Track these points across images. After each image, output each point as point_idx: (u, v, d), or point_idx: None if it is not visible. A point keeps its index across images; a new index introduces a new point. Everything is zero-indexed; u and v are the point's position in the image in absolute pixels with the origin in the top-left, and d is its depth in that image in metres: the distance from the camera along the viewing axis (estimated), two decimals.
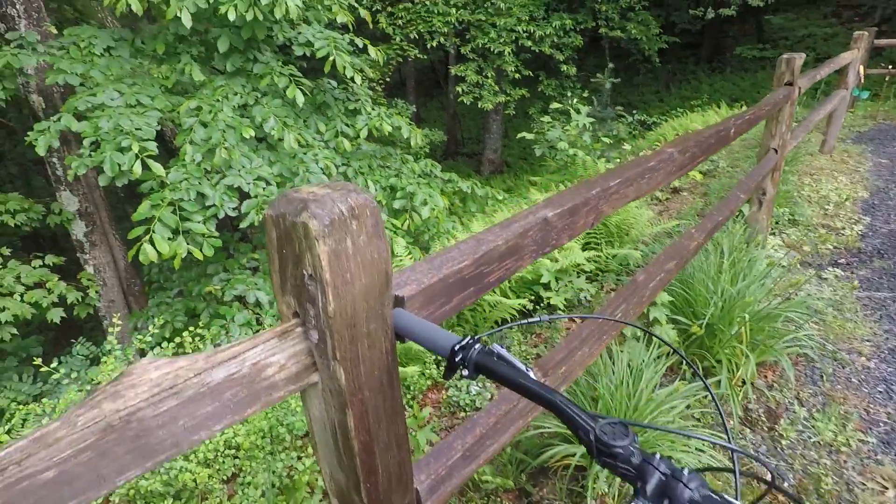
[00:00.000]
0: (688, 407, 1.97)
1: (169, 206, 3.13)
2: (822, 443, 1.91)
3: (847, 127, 6.89)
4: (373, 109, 4.87)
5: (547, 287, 3.68)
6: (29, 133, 3.24)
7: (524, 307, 3.51)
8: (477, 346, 0.66)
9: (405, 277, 0.82)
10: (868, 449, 1.88)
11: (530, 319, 0.73)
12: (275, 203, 0.65)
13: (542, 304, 3.63)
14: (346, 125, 4.63)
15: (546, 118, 6.86)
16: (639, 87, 14.78)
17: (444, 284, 0.84)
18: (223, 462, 2.36)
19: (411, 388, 2.83)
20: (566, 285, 3.65)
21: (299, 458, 2.33)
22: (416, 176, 5.42)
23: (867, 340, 2.46)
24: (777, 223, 3.95)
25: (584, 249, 4.07)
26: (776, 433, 1.98)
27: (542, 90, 10.92)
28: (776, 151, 3.12)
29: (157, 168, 3.10)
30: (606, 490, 1.68)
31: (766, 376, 2.25)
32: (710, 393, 0.70)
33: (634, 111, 10.42)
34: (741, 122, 2.23)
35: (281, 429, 2.49)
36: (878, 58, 9.24)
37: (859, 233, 3.71)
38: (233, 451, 2.42)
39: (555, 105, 6.56)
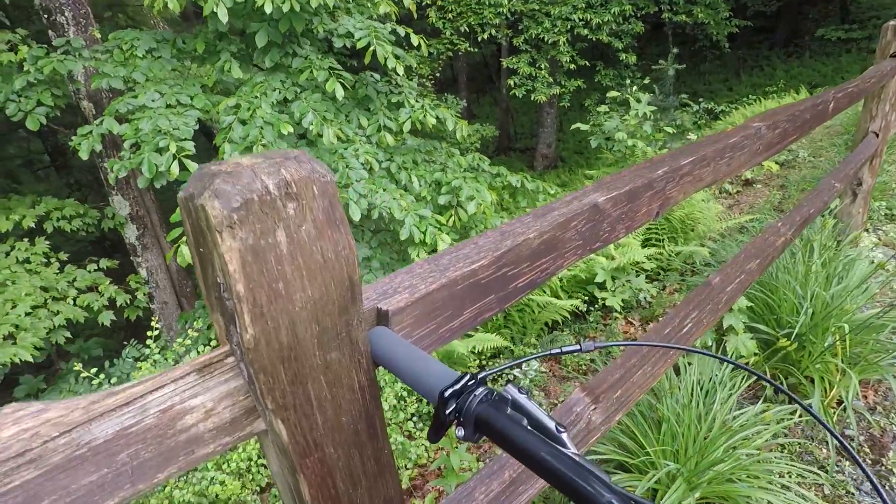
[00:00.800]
0: (774, 436, 1.64)
1: None
2: None
3: None
4: (416, 102, 4.69)
5: (602, 287, 3.38)
6: (73, 138, 3.27)
7: (577, 308, 3.23)
8: (479, 390, 0.43)
9: (395, 283, 0.61)
10: None
11: (566, 348, 0.50)
12: (189, 181, 0.45)
13: (596, 306, 3.33)
14: (389, 118, 4.48)
15: (603, 108, 6.46)
16: (705, 75, 13.87)
17: (449, 292, 0.61)
18: (257, 472, 2.26)
19: None
20: (623, 285, 3.33)
21: None
22: (462, 170, 5.21)
23: None
24: (871, 218, 3.45)
25: (643, 246, 3.72)
26: (883, 467, 1.62)
27: (600, 80, 10.39)
28: (877, 135, 2.67)
29: (195, 168, 3.05)
30: None
31: (866, 397, 1.87)
32: (831, 432, 0.44)
33: (701, 99, 9.73)
34: (842, 96, 1.86)
35: None
36: None
37: None
38: (264, 462, 2.31)
39: (612, 94, 6.16)
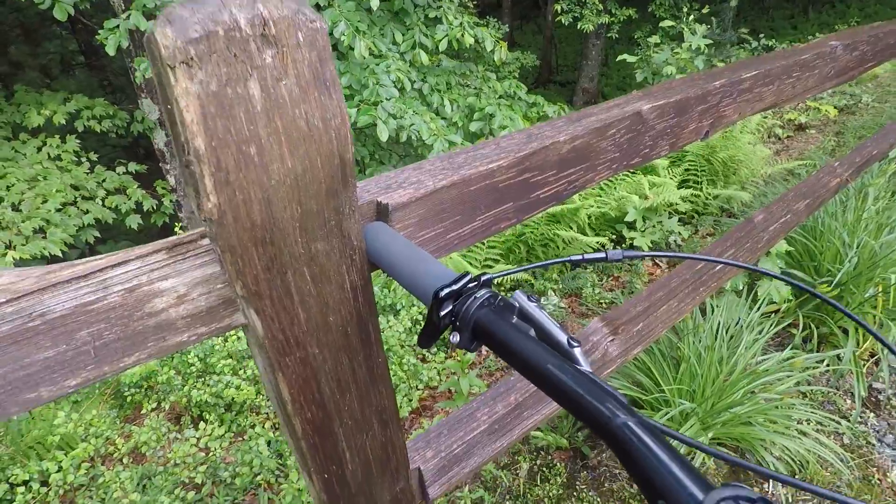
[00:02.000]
0: (797, 383, 1.58)
1: None
2: None
3: None
4: (455, 18, 4.40)
5: (632, 226, 3.26)
6: (99, 32, 3.17)
7: (603, 246, 3.13)
8: (482, 292, 0.37)
9: (401, 177, 0.53)
10: None
11: (589, 255, 0.43)
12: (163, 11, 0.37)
13: (623, 245, 3.22)
14: (425, 35, 4.23)
15: (654, 38, 5.99)
16: (769, 10, 12.73)
17: (460, 192, 0.54)
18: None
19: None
20: (654, 226, 3.20)
21: None
22: (497, 97, 4.97)
23: None
24: None
25: (679, 187, 3.54)
26: None
27: (653, 10, 9.59)
28: None
29: None
30: None
31: None
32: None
33: (761, 36, 8.94)
34: None
35: None
36: None
37: None
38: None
39: (666, 23, 5.68)
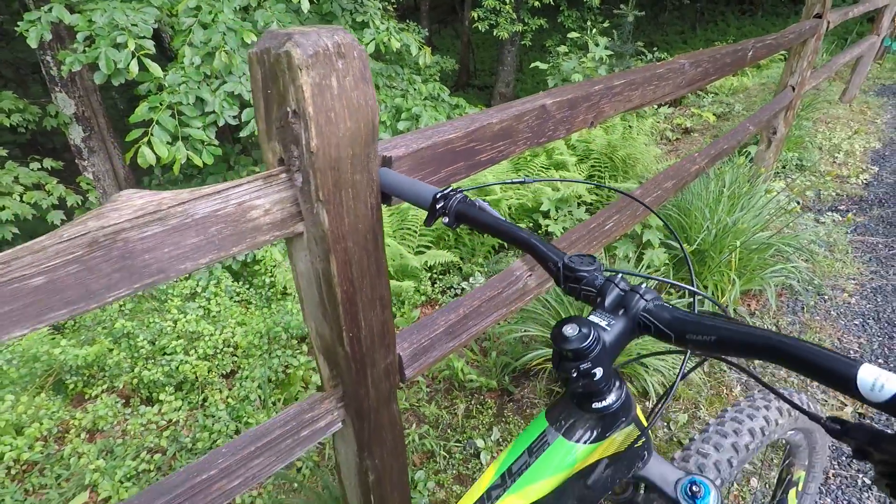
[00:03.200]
0: None
1: (167, 109, 3.08)
2: None
3: (872, 78, 6.63)
4: (382, 24, 4.67)
5: (546, 215, 3.69)
6: (19, 23, 3.12)
7: None
8: (459, 195, 0.67)
9: (395, 142, 0.82)
10: None
11: (515, 180, 0.74)
12: (260, 41, 0.64)
13: (540, 232, 3.65)
14: None
15: (563, 48, 6.58)
16: (664, 25, 14.09)
17: (433, 152, 0.84)
18: (222, 358, 2.47)
19: (405, 302, 2.91)
20: (566, 215, 3.65)
21: (294, 356, 2.42)
22: (422, 98, 5.29)
23: (853, 279, 2.50)
24: (784, 167, 3.90)
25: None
26: None
27: (562, 21, 10.38)
28: (793, 89, 3.02)
29: (155, 69, 3.02)
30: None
31: (749, 304, 2.30)
32: (680, 245, 0.72)
33: (655, 48, 9.96)
34: (761, 46, 2.14)
35: (278, 329, 2.58)
36: None
37: (864, 181, 3.66)
38: (231, 350, 2.52)
39: (573, 35, 6.28)
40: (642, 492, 0.67)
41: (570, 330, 0.47)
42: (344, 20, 4.62)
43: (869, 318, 2.25)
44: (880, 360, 2.06)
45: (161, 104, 3.04)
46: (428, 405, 2.00)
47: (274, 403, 2.24)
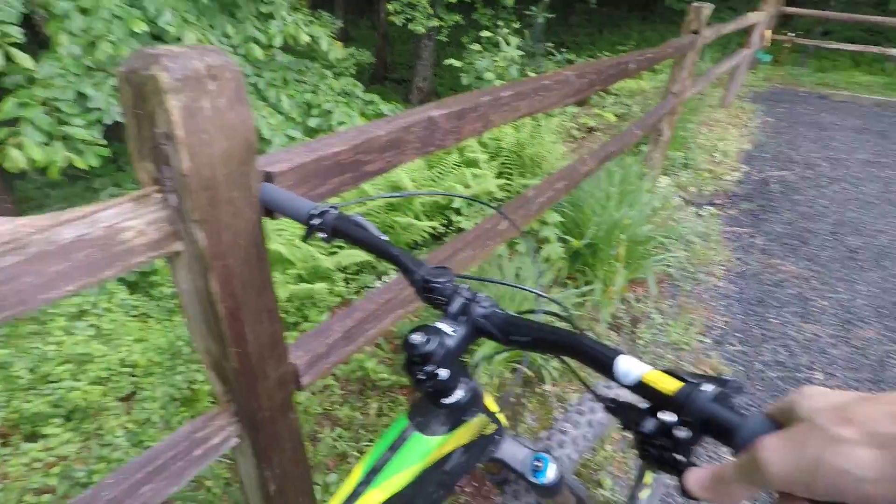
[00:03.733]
0: (572, 304, 2.20)
1: (41, 105, 2.80)
2: (669, 342, 2.23)
3: (747, 86, 7.39)
4: (289, 15, 4.53)
5: (458, 212, 3.79)
6: None
7: (434, 229, 3.61)
8: (334, 211, 0.70)
9: (278, 157, 0.84)
10: (703, 347, 2.23)
11: (394, 194, 0.78)
12: (128, 60, 0.63)
13: (451, 228, 3.74)
14: (258, 30, 4.29)
15: (476, 46, 6.72)
16: (574, 27, 14.76)
17: (318, 166, 0.86)
18: (118, 380, 2.30)
19: (319, 304, 2.88)
20: (477, 211, 3.76)
21: (200, 370, 2.32)
22: (334, 94, 5.20)
23: (721, 265, 2.82)
24: (672, 166, 4.27)
25: (497, 177, 4.19)
26: (636, 335, 2.27)
27: (477, 19, 10.57)
28: (675, 95, 3.32)
29: (24, 59, 2.73)
30: (486, 381, 1.87)
31: (635, 291, 2.52)
32: (533, 251, 0.80)
33: (564, 49, 10.43)
34: (642, 59, 2.34)
35: (180, 343, 2.46)
36: (786, 25, 9.75)
37: (737, 179, 4.11)
38: (129, 370, 2.36)
39: (486, 33, 6.44)
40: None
41: (416, 338, 0.52)
42: (247, 10, 4.44)
43: (733, 300, 2.56)
44: (739, 334, 2.35)
45: (32, 99, 2.76)
46: (341, 408, 2.01)
47: (180, 423, 2.14)
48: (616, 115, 6.40)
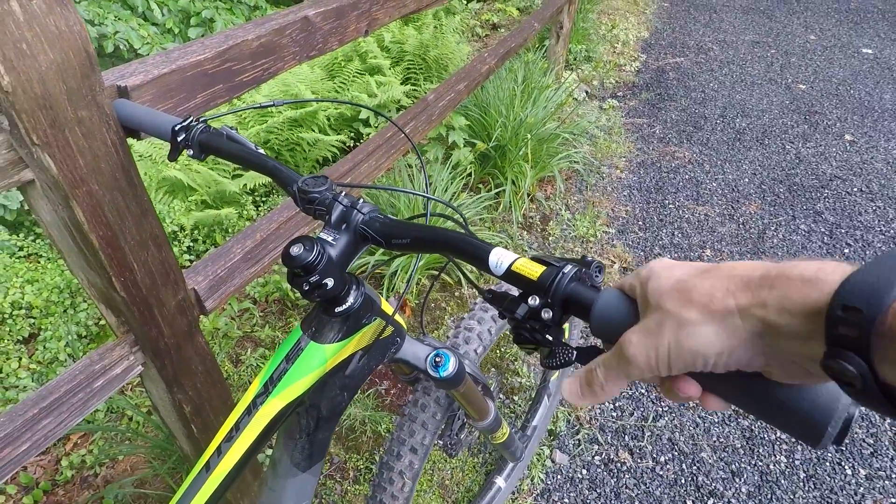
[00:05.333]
0: (484, 208, 2.27)
1: None
2: (577, 236, 2.38)
3: None
4: None
5: (367, 123, 3.66)
6: None
7: (344, 143, 3.49)
8: (200, 125, 0.66)
9: (131, 69, 0.76)
10: (608, 237, 2.40)
11: (264, 104, 0.74)
12: None
13: (361, 141, 3.63)
14: None
15: None
16: None
17: (181, 77, 0.79)
18: (14, 323, 2.16)
19: (230, 230, 2.76)
20: (385, 121, 3.65)
21: None
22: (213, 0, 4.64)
23: (623, 157, 2.97)
24: (575, 59, 4.29)
25: (402, 83, 4.04)
26: (546, 232, 2.40)
27: None
28: None
29: None
30: (402, 287, 1.93)
31: (545, 189, 2.63)
32: (418, 155, 0.80)
33: None
34: None
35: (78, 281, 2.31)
36: None
37: (636, 69, 4.22)
38: (24, 312, 2.21)
39: None
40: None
41: (295, 249, 0.52)
42: None
43: (634, 189, 2.74)
44: (640, 222, 2.55)
45: None
46: (262, 329, 2.01)
47: None
48: (519, 10, 6.23)
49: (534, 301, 0.42)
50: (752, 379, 0.33)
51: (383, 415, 1.67)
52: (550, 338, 0.42)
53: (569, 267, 0.42)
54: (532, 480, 1.54)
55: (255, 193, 3.17)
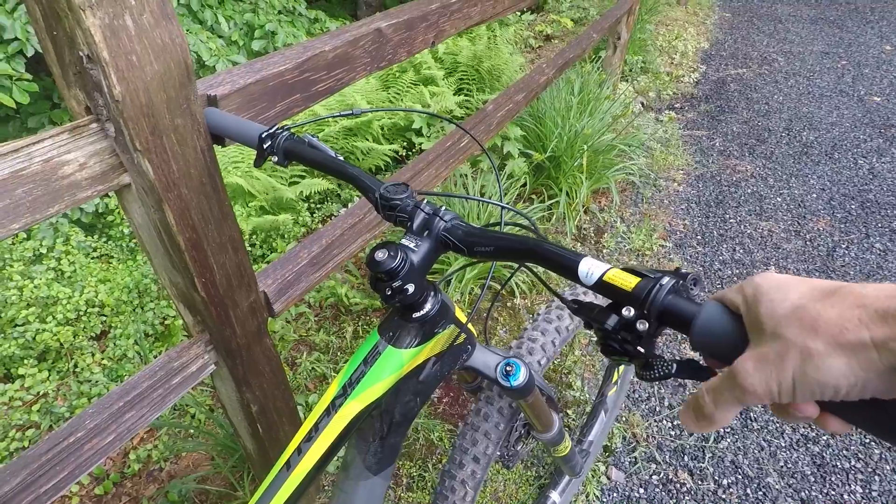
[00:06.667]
0: (537, 219, 2.25)
1: None
2: (632, 249, 2.31)
3: None
4: None
5: (419, 133, 3.70)
6: None
7: (396, 153, 3.54)
8: (285, 133, 0.68)
9: (219, 79, 0.79)
10: (665, 251, 2.32)
11: (344, 112, 0.76)
12: None
13: (414, 150, 3.68)
14: None
15: None
16: None
17: (263, 87, 0.82)
18: (88, 320, 2.29)
19: (286, 235, 2.85)
20: (438, 131, 3.69)
21: (170, 305, 2.32)
22: (276, 12, 4.84)
23: (681, 170, 2.88)
24: (631, 70, 4.21)
25: (455, 94, 4.07)
26: (601, 245, 2.35)
27: None
28: None
29: None
30: (458, 298, 1.93)
31: (599, 201, 2.58)
32: (492, 163, 0.80)
33: None
34: None
35: (146, 281, 2.43)
36: None
37: (695, 80, 4.10)
38: (97, 310, 2.35)
39: None
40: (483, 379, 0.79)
41: (380, 255, 0.53)
42: None
43: (692, 203, 2.65)
44: (699, 237, 2.46)
45: None
46: (317, 333, 2.06)
47: (156, 357, 2.16)
48: (573, 21, 6.18)
49: (628, 312, 0.41)
50: (886, 403, 0.31)
51: (436, 423, 1.66)
52: (643, 350, 0.41)
53: (666, 279, 0.41)
54: (587, 497, 1.50)
55: (311, 200, 3.26)
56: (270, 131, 0.68)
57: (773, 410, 0.36)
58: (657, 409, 1.74)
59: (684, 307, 0.39)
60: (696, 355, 0.41)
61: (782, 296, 0.34)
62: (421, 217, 0.57)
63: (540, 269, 2.02)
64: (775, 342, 0.32)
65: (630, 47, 4.14)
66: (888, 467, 1.56)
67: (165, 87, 0.65)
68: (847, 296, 0.31)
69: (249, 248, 2.56)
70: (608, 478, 1.55)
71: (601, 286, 0.44)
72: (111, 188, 0.70)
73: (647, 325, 0.40)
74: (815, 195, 2.76)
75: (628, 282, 0.42)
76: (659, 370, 0.41)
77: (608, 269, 0.44)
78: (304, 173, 3.35)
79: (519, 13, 6.01)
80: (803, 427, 1.67)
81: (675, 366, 0.41)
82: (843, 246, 2.40)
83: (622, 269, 0.44)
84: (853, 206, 2.66)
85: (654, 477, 1.55)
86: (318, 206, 3.29)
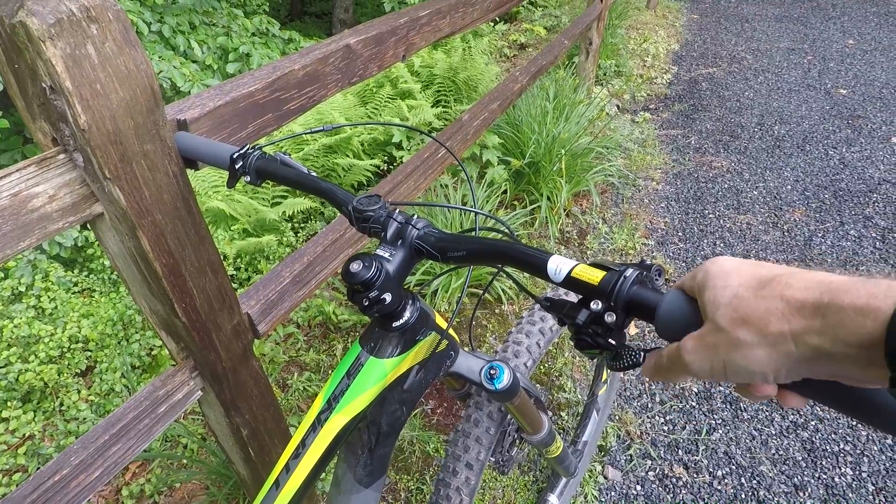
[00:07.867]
0: (520, 224, 2.26)
1: None
2: (616, 249, 2.34)
3: None
4: None
5: (399, 147, 3.72)
6: None
7: (378, 167, 3.55)
8: (256, 152, 0.68)
9: (189, 103, 0.79)
10: (648, 249, 2.35)
11: (314, 129, 0.76)
12: None
13: (395, 164, 3.69)
14: None
15: None
16: None
17: (234, 109, 0.82)
18: (72, 357, 2.24)
19: (270, 257, 2.83)
20: (417, 144, 3.71)
21: (156, 336, 2.28)
22: (249, 35, 4.85)
23: (659, 169, 2.93)
24: (605, 74, 4.28)
25: (433, 106, 4.10)
26: (584, 246, 2.37)
27: None
28: (601, 1, 3.27)
29: None
30: (445, 308, 1.93)
31: (581, 204, 2.60)
32: (465, 171, 0.81)
33: None
34: None
35: (130, 312, 2.40)
36: None
37: (668, 81, 4.17)
38: (81, 345, 2.30)
39: None
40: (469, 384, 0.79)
41: (355, 266, 0.53)
42: None
43: (672, 200, 2.69)
44: (680, 233, 2.49)
45: None
46: (307, 353, 2.04)
47: None
48: (546, 29, 6.28)
49: (596, 306, 0.43)
50: (826, 383, 0.33)
51: (431, 434, 1.65)
52: (614, 341, 0.43)
53: (630, 270, 0.42)
54: (585, 497, 1.49)
55: (294, 220, 3.25)
56: (241, 151, 0.68)
57: (735, 391, 0.40)
58: (649, 405, 1.75)
59: (648, 297, 0.41)
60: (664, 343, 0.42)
61: (723, 283, 0.36)
62: (394, 226, 0.57)
63: (523, 274, 2.03)
64: (713, 328, 0.35)
65: (603, 52, 4.21)
66: (875, 448, 1.58)
67: (132, 114, 0.65)
68: (776, 287, 0.33)
69: (234, 272, 2.54)
70: (605, 477, 1.55)
71: (569, 282, 0.45)
72: (83, 219, 0.69)
73: (615, 316, 0.42)
74: (789, 187, 2.81)
75: (594, 276, 0.44)
76: (628, 359, 0.42)
77: (575, 266, 0.46)
78: (285, 193, 3.34)
79: (492, 23, 6.09)
80: (792, 413, 1.68)
81: (642, 354, 0.42)
82: (819, 235, 2.45)
83: (589, 264, 0.46)
84: (826, 196, 2.72)
85: (650, 473, 1.55)
86: (302, 225, 3.28)
